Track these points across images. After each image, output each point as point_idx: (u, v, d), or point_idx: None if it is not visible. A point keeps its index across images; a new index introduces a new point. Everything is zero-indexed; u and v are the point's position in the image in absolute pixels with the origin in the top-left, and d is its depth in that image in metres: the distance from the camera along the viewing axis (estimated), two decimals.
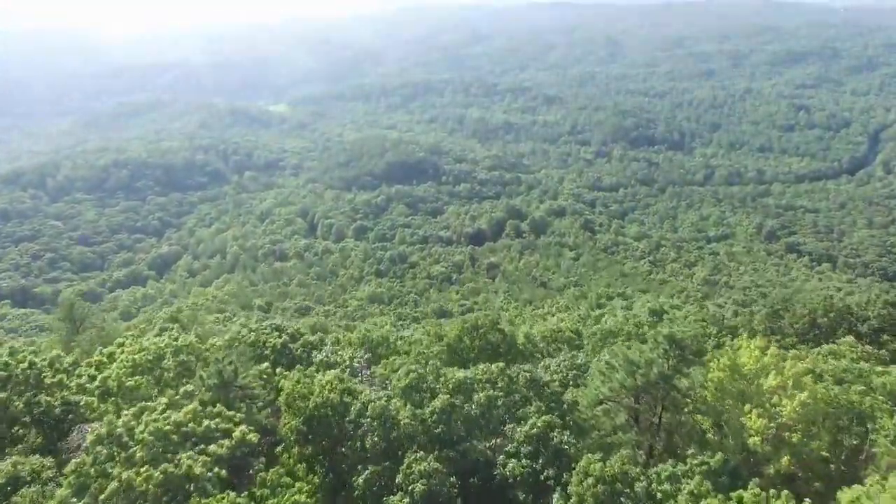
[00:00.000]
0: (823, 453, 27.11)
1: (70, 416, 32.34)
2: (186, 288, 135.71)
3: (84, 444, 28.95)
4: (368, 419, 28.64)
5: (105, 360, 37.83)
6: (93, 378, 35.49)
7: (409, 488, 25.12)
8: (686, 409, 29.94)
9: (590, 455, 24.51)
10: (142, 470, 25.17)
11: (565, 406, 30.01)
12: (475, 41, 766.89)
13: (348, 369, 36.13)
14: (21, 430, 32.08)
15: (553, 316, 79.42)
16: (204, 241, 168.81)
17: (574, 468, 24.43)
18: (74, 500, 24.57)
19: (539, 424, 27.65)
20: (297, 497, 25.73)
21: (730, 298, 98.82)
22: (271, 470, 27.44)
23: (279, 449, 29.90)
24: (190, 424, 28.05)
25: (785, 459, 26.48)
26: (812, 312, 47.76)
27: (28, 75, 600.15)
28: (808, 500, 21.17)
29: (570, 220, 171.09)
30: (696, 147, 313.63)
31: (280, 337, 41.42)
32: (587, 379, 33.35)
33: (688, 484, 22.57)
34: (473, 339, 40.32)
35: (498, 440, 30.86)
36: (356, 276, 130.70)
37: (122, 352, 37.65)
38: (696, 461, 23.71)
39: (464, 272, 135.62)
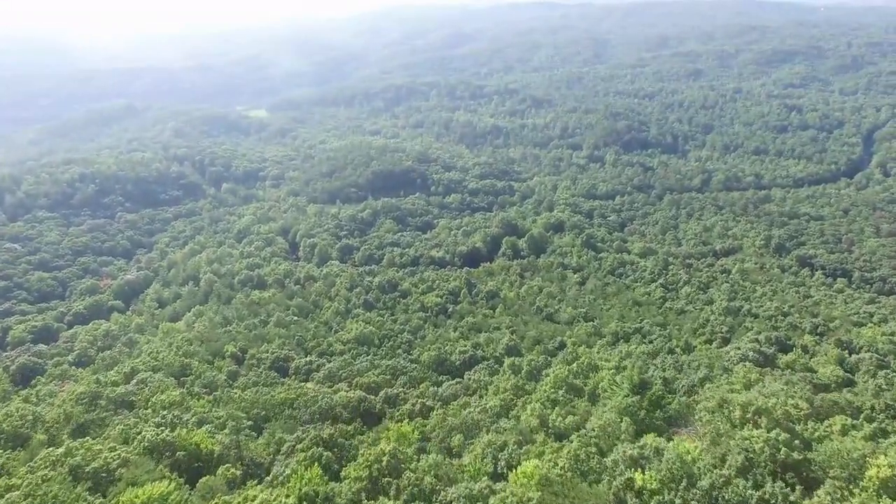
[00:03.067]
0: None
1: None
2: (155, 321, 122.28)
3: None
4: None
5: None
6: None
7: None
8: None
9: None
10: None
11: None
12: (458, 43, 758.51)
13: None
14: None
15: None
16: (176, 264, 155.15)
17: None
18: None
19: None
20: None
21: (761, 334, 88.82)
22: None
23: None
24: None
25: None
26: None
27: None
28: None
29: (570, 237, 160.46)
30: (689, 150, 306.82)
31: None
32: None
33: None
34: None
35: None
36: (342, 310, 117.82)
37: None
38: None
39: (460, 301, 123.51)
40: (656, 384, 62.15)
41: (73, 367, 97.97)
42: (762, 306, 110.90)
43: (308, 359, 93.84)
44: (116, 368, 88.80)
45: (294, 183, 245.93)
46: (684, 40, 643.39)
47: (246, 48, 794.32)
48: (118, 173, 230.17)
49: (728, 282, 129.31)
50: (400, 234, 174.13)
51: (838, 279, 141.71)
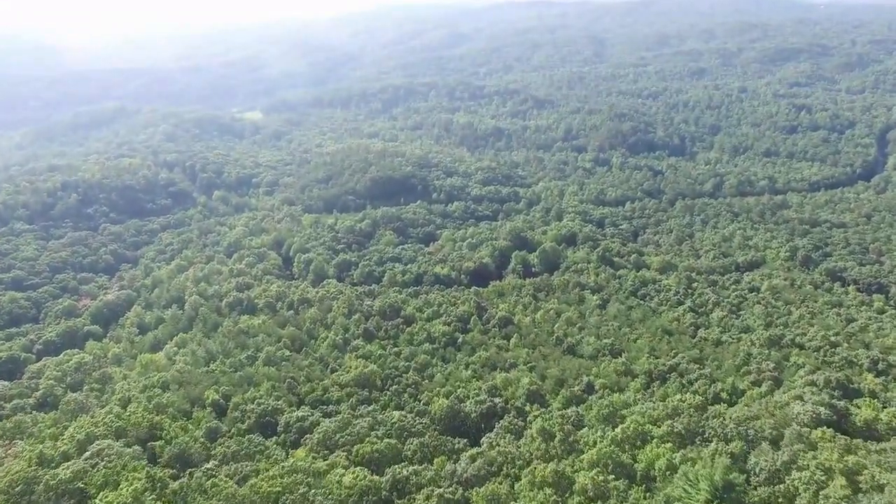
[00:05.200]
0: None
1: None
2: (134, 350, 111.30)
3: None
4: None
5: None
6: None
7: None
8: None
9: None
10: None
11: None
12: (456, 42, 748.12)
13: None
14: None
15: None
16: (161, 282, 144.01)
17: None
18: None
19: None
20: None
21: (816, 374, 78.55)
22: None
23: None
24: None
25: None
26: None
27: None
28: None
29: (584, 251, 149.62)
30: (697, 152, 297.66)
31: None
32: None
33: None
34: None
35: None
36: (339, 343, 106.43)
37: None
38: None
39: (470, 328, 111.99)
40: (739, 483, 51.20)
41: (33, 414, 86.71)
42: (804, 334, 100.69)
43: (300, 413, 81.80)
44: (71, 431, 76.27)
45: (289, 190, 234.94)
46: (685, 39, 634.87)
47: (240, 49, 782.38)
48: (103, 181, 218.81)
49: (760, 302, 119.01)
50: (401, 247, 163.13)
51: (874, 295, 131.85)
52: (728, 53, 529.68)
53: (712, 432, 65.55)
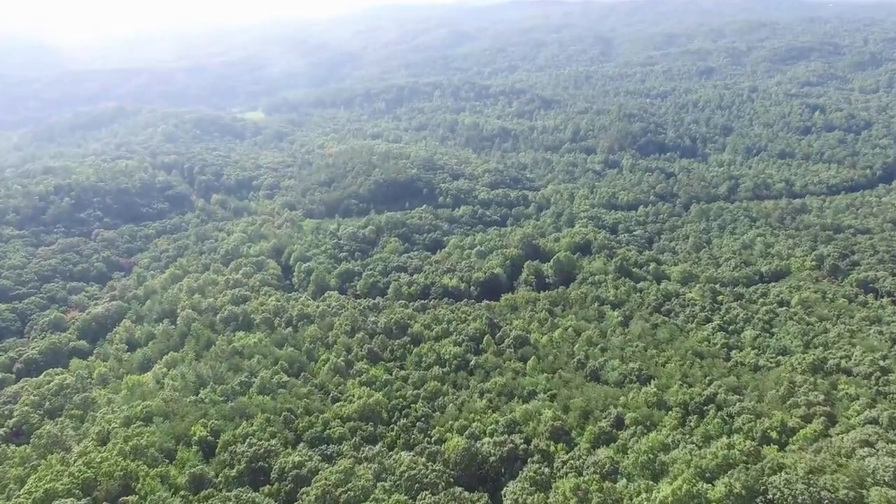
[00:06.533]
0: None
1: None
2: (121, 370, 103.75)
3: None
4: None
5: None
6: None
7: None
8: None
9: None
10: None
11: None
12: (459, 41, 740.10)
13: None
14: None
15: None
16: (154, 294, 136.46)
17: None
18: None
19: None
20: None
21: (876, 409, 70.32)
22: None
23: None
24: None
25: None
26: None
27: None
28: None
29: (601, 261, 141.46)
30: (710, 153, 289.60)
31: None
32: None
33: None
34: None
35: None
36: (341, 366, 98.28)
37: None
38: None
39: (483, 349, 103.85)
40: None
41: (2, 447, 78.85)
42: (849, 357, 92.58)
43: (297, 457, 73.01)
44: (29, 486, 66.07)
45: (290, 193, 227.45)
46: (692, 38, 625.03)
47: (241, 48, 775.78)
48: (97, 184, 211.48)
49: (792, 318, 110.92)
50: (406, 255, 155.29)
51: None
52: (737, 52, 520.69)
53: (777, 493, 57.00)
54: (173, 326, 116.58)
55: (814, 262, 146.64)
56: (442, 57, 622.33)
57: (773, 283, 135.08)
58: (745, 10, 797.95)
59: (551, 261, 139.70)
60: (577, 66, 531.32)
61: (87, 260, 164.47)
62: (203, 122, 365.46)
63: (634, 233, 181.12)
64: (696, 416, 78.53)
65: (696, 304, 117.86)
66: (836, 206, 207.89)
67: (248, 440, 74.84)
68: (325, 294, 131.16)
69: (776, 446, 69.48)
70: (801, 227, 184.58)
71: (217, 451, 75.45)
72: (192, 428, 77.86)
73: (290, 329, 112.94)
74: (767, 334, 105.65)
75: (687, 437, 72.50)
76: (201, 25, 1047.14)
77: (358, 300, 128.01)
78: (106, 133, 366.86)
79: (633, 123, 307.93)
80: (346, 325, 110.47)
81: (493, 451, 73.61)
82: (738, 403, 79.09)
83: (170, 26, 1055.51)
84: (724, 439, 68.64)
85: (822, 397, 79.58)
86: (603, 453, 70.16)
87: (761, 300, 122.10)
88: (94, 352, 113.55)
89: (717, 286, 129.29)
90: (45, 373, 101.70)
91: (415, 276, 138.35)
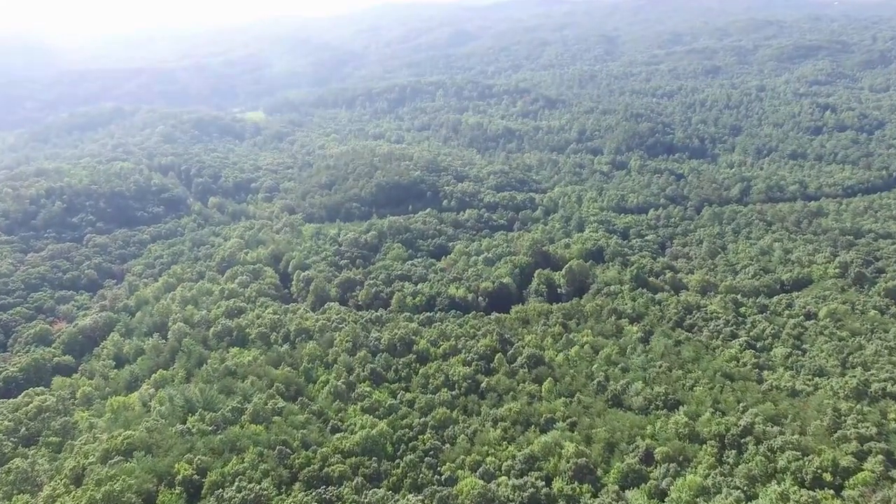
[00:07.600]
0: None
1: None
2: (106, 389, 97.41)
3: None
4: None
5: None
6: None
7: None
8: None
9: None
10: None
11: None
12: (462, 40, 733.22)
13: None
14: None
15: None
16: (145, 304, 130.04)
17: None
18: None
19: None
20: None
21: None
22: None
23: None
24: None
25: None
26: None
27: None
28: None
29: (615, 270, 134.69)
30: (719, 154, 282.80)
31: None
32: None
33: None
34: None
35: None
36: (341, 389, 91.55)
37: None
38: None
39: (495, 369, 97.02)
40: None
41: None
42: (894, 378, 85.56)
43: (291, 500, 66.44)
44: None
45: (289, 196, 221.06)
46: (697, 36, 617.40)
47: (242, 47, 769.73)
48: (90, 187, 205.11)
49: (823, 333, 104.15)
50: (410, 262, 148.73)
51: None
52: (743, 51, 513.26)
53: None
54: (164, 341, 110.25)
55: (837, 270, 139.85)
56: (444, 56, 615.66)
57: (796, 293, 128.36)
58: (749, 8, 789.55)
59: (563, 269, 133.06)
60: (582, 65, 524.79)
61: (77, 267, 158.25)
62: (202, 123, 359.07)
63: (647, 238, 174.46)
64: (734, 452, 71.59)
65: (719, 318, 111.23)
66: (854, 209, 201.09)
67: (237, 481, 67.84)
68: (326, 305, 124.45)
69: (831, 490, 62.62)
70: (818, 232, 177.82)
71: (203, 492, 68.62)
72: (177, 465, 71.17)
73: (287, 345, 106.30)
74: (799, 352, 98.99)
75: (728, 478, 65.70)
76: (201, 25, 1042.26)
77: (360, 312, 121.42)
78: (103, 134, 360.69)
79: (641, 123, 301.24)
80: (346, 341, 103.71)
81: (511, 495, 66.38)
82: (779, 437, 72.00)
83: (170, 26, 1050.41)
84: (775, 486, 61.73)
85: (874, 430, 72.38)
86: (635, 499, 63.48)
87: (787, 312, 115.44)
88: (80, 368, 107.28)
89: (739, 296, 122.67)
90: (24, 393, 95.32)
91: (419, 286, 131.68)
